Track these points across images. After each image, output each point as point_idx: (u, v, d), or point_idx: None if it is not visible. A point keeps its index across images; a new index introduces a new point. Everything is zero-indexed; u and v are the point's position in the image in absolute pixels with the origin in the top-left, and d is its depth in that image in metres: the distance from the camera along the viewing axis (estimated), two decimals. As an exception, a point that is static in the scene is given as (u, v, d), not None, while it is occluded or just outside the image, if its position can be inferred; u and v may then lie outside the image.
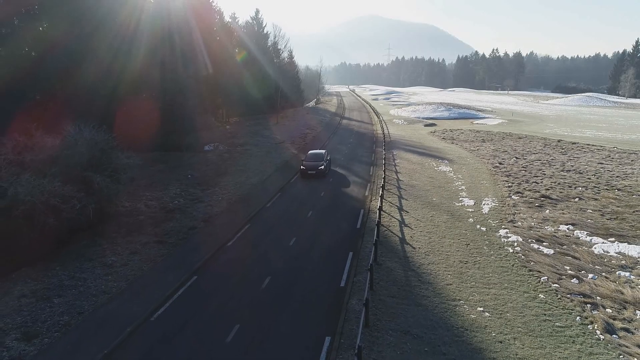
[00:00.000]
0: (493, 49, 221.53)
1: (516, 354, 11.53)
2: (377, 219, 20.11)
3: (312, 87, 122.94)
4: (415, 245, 18.69)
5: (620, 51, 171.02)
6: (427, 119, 73.93)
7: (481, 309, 13.71)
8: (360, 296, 14.07)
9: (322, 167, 30.36)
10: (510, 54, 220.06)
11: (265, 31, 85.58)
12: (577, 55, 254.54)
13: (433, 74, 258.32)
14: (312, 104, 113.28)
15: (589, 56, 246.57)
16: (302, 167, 30.92)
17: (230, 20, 74.17)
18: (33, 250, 17.14)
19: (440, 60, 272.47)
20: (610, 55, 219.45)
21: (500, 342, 12.07)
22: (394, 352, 11.55)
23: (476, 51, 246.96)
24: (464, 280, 15.55)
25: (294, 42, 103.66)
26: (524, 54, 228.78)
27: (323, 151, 33.36)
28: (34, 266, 16.88)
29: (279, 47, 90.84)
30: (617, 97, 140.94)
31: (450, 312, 13.56)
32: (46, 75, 29.44)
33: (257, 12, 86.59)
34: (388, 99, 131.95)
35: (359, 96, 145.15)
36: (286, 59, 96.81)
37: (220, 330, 12.51)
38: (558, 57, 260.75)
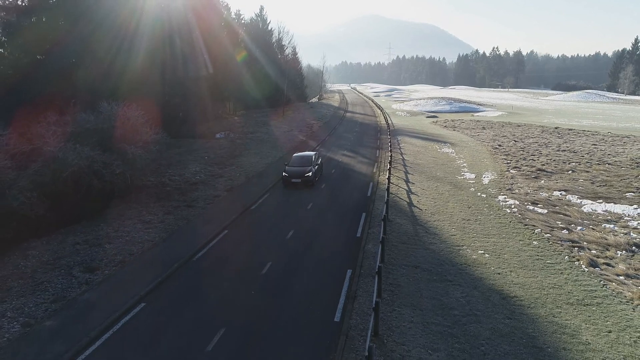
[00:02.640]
0: (493, 47, 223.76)
1: (512, 281, 13.43)
2: (386, 189, 21.99)
3: (314, 85, 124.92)
4: (421, 207, 20.61)
5: (620, 50, 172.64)
6: (428, 112, 75.82)
7: (482, 251, 15.61)
8: (375, 242, 16.00)
9: (310, 173, 23.91)
10: (511, 53, 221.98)
11: (269, 28, 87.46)
12: (578, 54, 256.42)
13: (434, 72, 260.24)
14: (315, 100, 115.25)
15: (589, 55, 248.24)
16: (284, 173, 24.43)
17: (235, 17, 76.21)
18: (78, 210, 19.16)
19: (441, 59, 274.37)
20: (610, 54, 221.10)
21: (499, 273, 13.98)
22: (407, 280, 13.46)
23: (477, 50, 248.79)
24: (466, 232, 17.46)
25: (296, 42, 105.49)
26: (524, 53, 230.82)
27: (312, 153, 26.71)
28: (79, 224, 18.80)
29: (283, 43, 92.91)
30: (616, 93, 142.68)
31: (454, 254, 15.47)
32: (69, 56, 31.25)
33: (262, 9, 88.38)
34: (389, 95, 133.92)
35: (361, 93, 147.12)
36: (290, 55, 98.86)
37: (255, 266, 14.41)
38: (558, 56, 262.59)
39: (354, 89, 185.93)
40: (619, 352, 10.02)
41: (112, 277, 13.65)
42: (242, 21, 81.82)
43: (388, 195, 20.11)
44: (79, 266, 14.37)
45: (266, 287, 13.04)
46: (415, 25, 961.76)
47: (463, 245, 16.16)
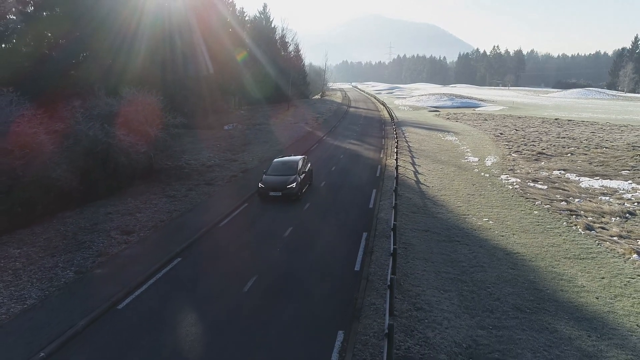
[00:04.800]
0: (494, 46, 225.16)
1: (514, 242, 14.66)
2: (393, 170, 23.22)
3: (316, 83, 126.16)
4: (429, 185, 21.84)
5: (620, 48, 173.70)
6: (431, 107, 77.01)
7: (486, 219, 16.84)
8: (387, 211, 17.23)
9: (294, 184, 18.78)
10: (511, 52, 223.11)
11: (273, 25, 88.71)
12: (578, 53, 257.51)
13: (434, 71, 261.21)
14: (317, 97, 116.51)
15: (590, 54, 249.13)
16: (260, 184, 19.42)
17: (238, 14, 77.53)
18: (105, 185, 20.42)
19: (441, 58, 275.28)
20: (610, 53, 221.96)
21: (502, 236, 15.21)
22: (418, 240, 14.69)
23: (477, 48, 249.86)
24: (471, 205, 18.68)
25: (299, 40, 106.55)
26: (525, 52, 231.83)
27: (299, 158, 20.98)
28: (107, 198, 20.03)
29: (286, 41, 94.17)
30: (616, 91, 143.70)
31: (461, 221, 16.70)
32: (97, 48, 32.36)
33: (265, 6, 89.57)
34: (391, 93, 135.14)
35: (363, 91, 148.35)
36: (293, 52, 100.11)
37: (278, 230, 15.62)
38: (559, 55, 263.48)
39: (355, 87, 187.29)
40: (610, 292, 11.24)
41: (148, 238, 14.89)
42: (246, 18, 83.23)
43: (397, 172, 21.37)
44: (115, 230, 15.59)
45: (290, 246, 14.25)
46: (416, 25, 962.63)
47: (469, 214, 17.38)
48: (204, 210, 18.01)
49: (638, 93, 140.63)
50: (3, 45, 31.09)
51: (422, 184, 22.03)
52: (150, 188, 21.60)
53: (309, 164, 21.91)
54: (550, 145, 30.45)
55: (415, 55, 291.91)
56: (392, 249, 11.64)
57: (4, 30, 30.04)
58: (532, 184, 21.23)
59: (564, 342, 9.13)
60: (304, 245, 14.24)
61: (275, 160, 21.30)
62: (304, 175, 20.13)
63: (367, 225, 16.03)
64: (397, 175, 20.78)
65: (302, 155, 22.64)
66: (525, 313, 10.25)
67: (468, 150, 30.62)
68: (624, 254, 13.41)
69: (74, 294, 11.02)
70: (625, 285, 11.56)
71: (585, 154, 26.88)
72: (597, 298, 10.96)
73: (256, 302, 10.64)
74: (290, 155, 22.49)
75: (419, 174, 24.21)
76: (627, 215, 16.71)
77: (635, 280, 11.79)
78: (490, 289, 11.36)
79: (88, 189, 19.40)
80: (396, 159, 24.90)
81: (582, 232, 15.27)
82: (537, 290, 11.32)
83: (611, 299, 10.92)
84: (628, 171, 22.49)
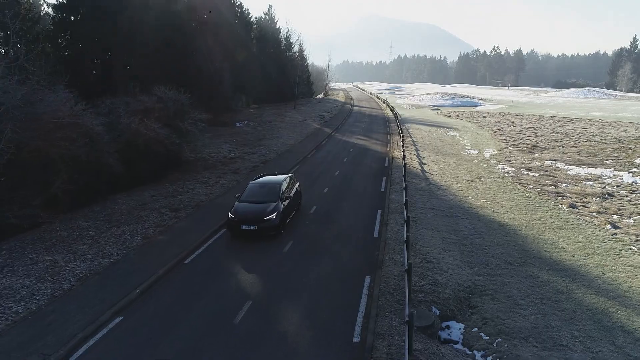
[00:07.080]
0: (494, 46, 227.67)
1: (508, 217, 17.14)
2: (400, 161, 25.68)
3: (318, 83, 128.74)
4: (433, 173, 24.33)
5: (619, 48, 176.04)
6: (432, 106, 79.48)
7: (484, 200, 19.32)
8: (397, 195, 19.70)
9: (274, 215, 14.35)
10: (511, 52, 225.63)
11: (277, 26, 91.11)
12: (578, 53, 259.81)
13: (435, 71, 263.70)
14: (320, 96, 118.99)
15: (589, 54, 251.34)
16: (230, 214, 14.69)
17: (245, 15, 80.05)
18: (145, 173, 22.92)
19: (442, 58, 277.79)
20: (610, 53, 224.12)
21: (498, 212, 17.69)
22: (425, 215, 17.17)
23: (477, 48, 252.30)
24: (471, 189, 21.16)
25: (302, 40, 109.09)
26: (524, 52, 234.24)
27: (282, 178, 16.64)
28: (146, 185, 22.51)
29: (290, 41, 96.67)
30: (615, 91, 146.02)
31: (462, 202, 19.19)
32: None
33: (270, 7, 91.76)
34: (392, 92, 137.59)
35: (365, 90, 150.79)
36: (297, 52, 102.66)
37: (304, 209, 18.08)
38: (558, 55, 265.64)
39: (357, 87, 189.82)
40: (584, 252, 13.73)
41: (194, 214, 17.38)
42: (252, 19, 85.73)
43: (404, 161, 23.87)
44: (164, 208, 18.08)
45: (316, 220, 16.70)
46: (417, 25, 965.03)
47: (469, 197, 19.87)
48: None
49: (636, 92, 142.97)
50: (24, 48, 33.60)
51: (426, 172, 24.51)
52: (183, 176, 24.09)
53: (297, 184, 17.61)
54: (544, 139, 32.95)
55: (416, 55, 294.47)
56: (405, 217, 14.11)
57: (35, 34, 32.57)
58: (525, 172, 23.70)
59: (543, 283, 11.62)
60: (327, 219, 16.70)
61: (252, 182, 16.58)
62: (288, 201, 15.57)
63: (381, 204, 18.50)
64: (405, 164, 23.27)
65: (288, 174, 18.11)
66: (514, 266, 12.73)
67: (468, 144, 33.09)
68: (599, 225, 15.89)
69: (146, 253, 13.52)
70: (597, 247, 14.04)
71: (575, 147, 29.37)
72: (573, 256, 13.44)
73: (295, 259, 13.11)
74: (274, 174, 17.94)
75: (424, 164, 26.69)
76: (607, 196, 19.18)
77: (606, 243, 14.27)
78: (487, 250, 13.84)
79: (130, 176, 21.88)
80: (403, 150, 27.39)
81: (566, 210, 17.74)
82: (524, 251, 13.81)
83: (584, 256, 13.40)
84: (612, 160, 24.98)
